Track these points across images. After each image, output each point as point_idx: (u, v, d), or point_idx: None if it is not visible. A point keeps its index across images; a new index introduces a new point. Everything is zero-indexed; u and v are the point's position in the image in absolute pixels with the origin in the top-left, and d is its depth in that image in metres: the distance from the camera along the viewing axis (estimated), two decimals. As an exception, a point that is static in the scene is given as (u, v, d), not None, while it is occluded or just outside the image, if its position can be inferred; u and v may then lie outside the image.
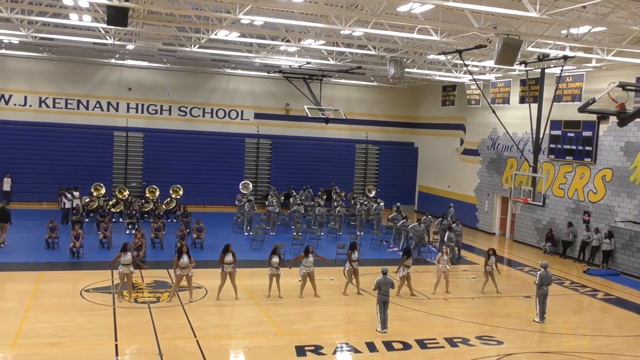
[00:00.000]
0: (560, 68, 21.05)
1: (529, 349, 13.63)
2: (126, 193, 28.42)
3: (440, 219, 24.84)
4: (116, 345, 12.46)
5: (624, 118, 14.78)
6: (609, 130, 22.85)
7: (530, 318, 15.70)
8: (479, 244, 26.22)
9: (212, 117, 33.48)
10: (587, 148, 23.69)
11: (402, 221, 24.09)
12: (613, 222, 22.48)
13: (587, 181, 23.83)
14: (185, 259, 15.54)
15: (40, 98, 30.73)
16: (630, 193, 21.95)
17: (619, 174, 22.47)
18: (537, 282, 15.54)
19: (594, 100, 14.79)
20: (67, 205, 25.71)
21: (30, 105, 30.60)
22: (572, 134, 24.37)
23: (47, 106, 30.86)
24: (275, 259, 16.30)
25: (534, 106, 22.06)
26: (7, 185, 29.11)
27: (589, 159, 23.59)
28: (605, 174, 23.02)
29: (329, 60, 24.74)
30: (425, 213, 26.06)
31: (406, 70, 23.81)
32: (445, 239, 22.15)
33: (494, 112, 23.28)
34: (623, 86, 15.02)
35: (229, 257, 16.01)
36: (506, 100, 27.01)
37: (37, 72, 30.59)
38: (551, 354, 13.36)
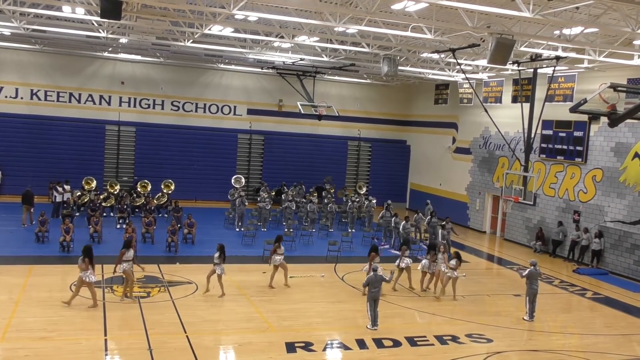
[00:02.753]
0: (553, 68, 21.16)
1: (518, 347, 13.73)
2: (117, 187, 28.31)
3: (429, 216, 24.97)
4: (105, 340, 12.43)
5: (614, 119, 14.88)
6: (599, 130, 23.00)
7: (520, 316, 15.82)
8: (470, 242, 26.32)
9: (204, 112, 33.36)
10: (578, 148, 23.82)
11: (392, 219, 24.16)
12: (603, 222, 22.63)
13: (577, 181, 23.97)
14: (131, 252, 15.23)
15: (32, 90, 30.49)
16: (620, 193, 22.10)
17: (609, 174, 22.61)
18: (525, 274, 15.69)
19: (585, 101, 14.89)
20: (58, 198, 25.61)
21: (22, 98, 30.35)
22: (564, 134, 24.50)
23: (39, 99, 30.63)
24: (216, 254, 15.83)
25: (526, 106, 22.17)
26: (-4, 177, 28.97)
27: (580, 159, 23.73)
28: (596, 174, 23.16)
29: (322, 56, 24.73)
30: (416, 211, 26.08)
31: (399, 68, 23.87)
32: (440, 237, 22.25)
33: (486, 111, 23.36)
34: (614, 87, 15.10)
35: (281, 248, 16.72)
36: (498, 100, 27.11)
37: (29, 64, 30.35)
38: (540, 352, 13.46)
